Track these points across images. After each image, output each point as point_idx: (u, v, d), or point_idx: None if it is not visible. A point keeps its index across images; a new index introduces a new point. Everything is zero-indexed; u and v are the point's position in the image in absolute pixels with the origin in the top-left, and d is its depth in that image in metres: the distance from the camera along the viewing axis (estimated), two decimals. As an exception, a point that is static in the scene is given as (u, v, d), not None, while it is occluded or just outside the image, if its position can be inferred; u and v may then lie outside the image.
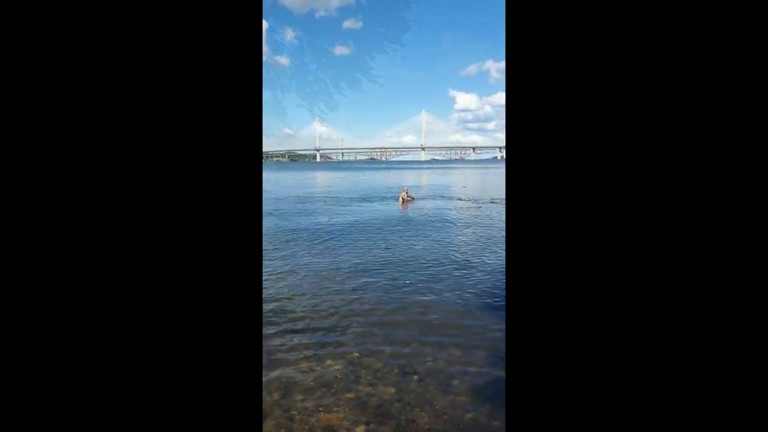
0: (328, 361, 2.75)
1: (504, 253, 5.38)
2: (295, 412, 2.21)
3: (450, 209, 11.15)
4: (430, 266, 5.14)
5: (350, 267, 5.14)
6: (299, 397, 2.34)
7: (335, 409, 2.24)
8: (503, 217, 9.20)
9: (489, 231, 7.70)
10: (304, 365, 2.70)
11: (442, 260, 5.45)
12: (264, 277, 4.61)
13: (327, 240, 6.88)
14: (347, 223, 8.58)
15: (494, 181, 23.76)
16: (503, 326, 3.18)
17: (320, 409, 2.24)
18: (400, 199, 12.86)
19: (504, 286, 4.18)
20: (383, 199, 14.37)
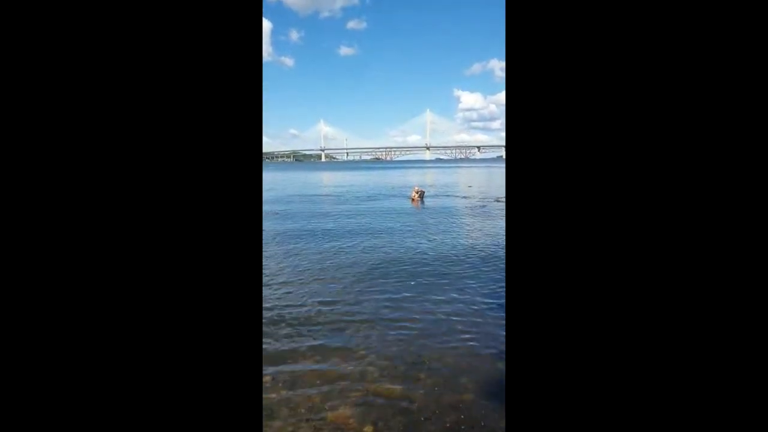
0: (335, 359, 2.75)
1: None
2: (303, 410, 2.21)
3: (457, 207, 11.15)
4: (437, 263, 5.13)
5: (356, 266, 5.14)
6: (306, 395, 2.34)
7: (342, 407, 2.24)
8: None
9: (494, 230, 7.66)
10: (311, 362, 2.70)
11: (448, 258, 5.45)
12: (269, 277, 4.63)
13: (336, 239, 6.89)
14: (359, 222, 8.59)
15: (499, 181, 23.65)
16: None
17: (327, 407, 2.24)
18: (412, 198, 13.40)
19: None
20: (394, 197, 14.61)
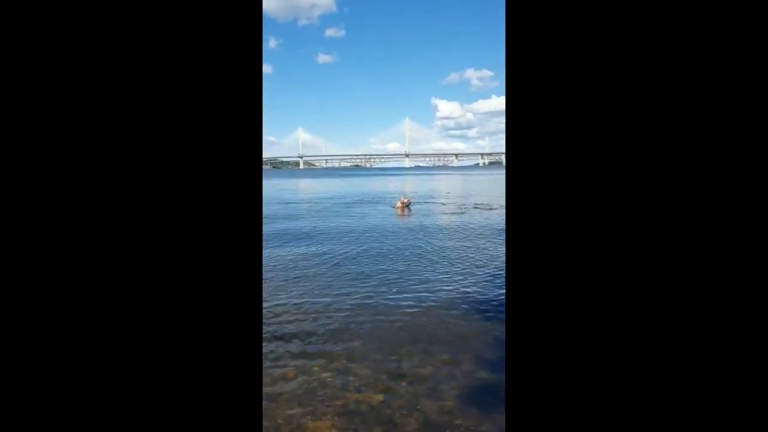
0: (315, 368, 2.72)
1: (485, 260, 5.51)
2: (282, 421, 2.17)
3: (435, 215, 11.24)
4: (416, 272, 5.14)
5: (336, 273, 5.10)
6: (286, 405, 2.30)
7: (323, 416, 2.21)
8: (486, 223, 9.36)
9: (473, 239, 7.76)
10: (291, 374, 2.65)
11: (428, 265, 5.47)
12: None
13: (317, 245, 6.82)
14: (344, 224, 8.51)
15: (476, 188, 24.07)
16: (489, 331, 3.22)
17: (308, 416, 2.20)
18: (398, 205, 13.14)
19: (488, 291, 4.23)
20: (378, 204, 14.52)
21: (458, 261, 5.74)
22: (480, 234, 8.01)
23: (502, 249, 6.38)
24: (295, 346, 3.02)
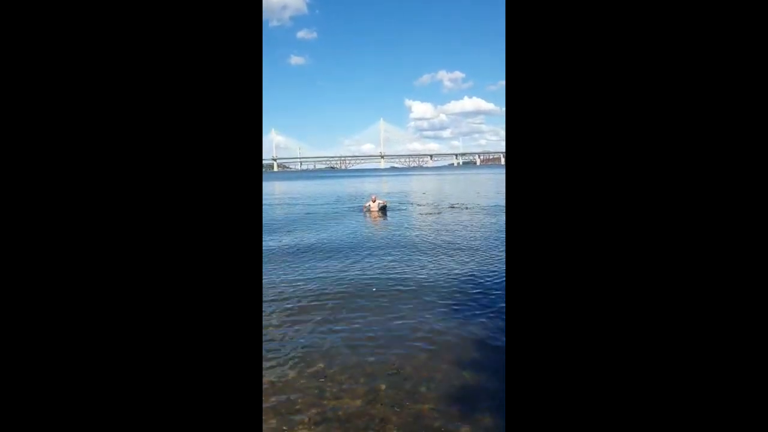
0: (291, 375, 2.65)
1: (461, 260, 5.59)
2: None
3: (413, 215, 11.28)
4: (395, 273, 5.13)
5: (311, 274, 5.02)
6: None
7: (299, 426, 2.15)
8: (464, 223, 9.48)
9: (451, 237, 7.83)
10: (265, 381, 2.57)
11: (407, 266, 5.47)
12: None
13: (292, 245, 6.70)
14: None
15: (451, 188, 24.41)
16: (466, 330, 3.24)
17: (284, 427, 2.14)
18: (369, 209, 11.44)
19: (463, 291, 4.27)
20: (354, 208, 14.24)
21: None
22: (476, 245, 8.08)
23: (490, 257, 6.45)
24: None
